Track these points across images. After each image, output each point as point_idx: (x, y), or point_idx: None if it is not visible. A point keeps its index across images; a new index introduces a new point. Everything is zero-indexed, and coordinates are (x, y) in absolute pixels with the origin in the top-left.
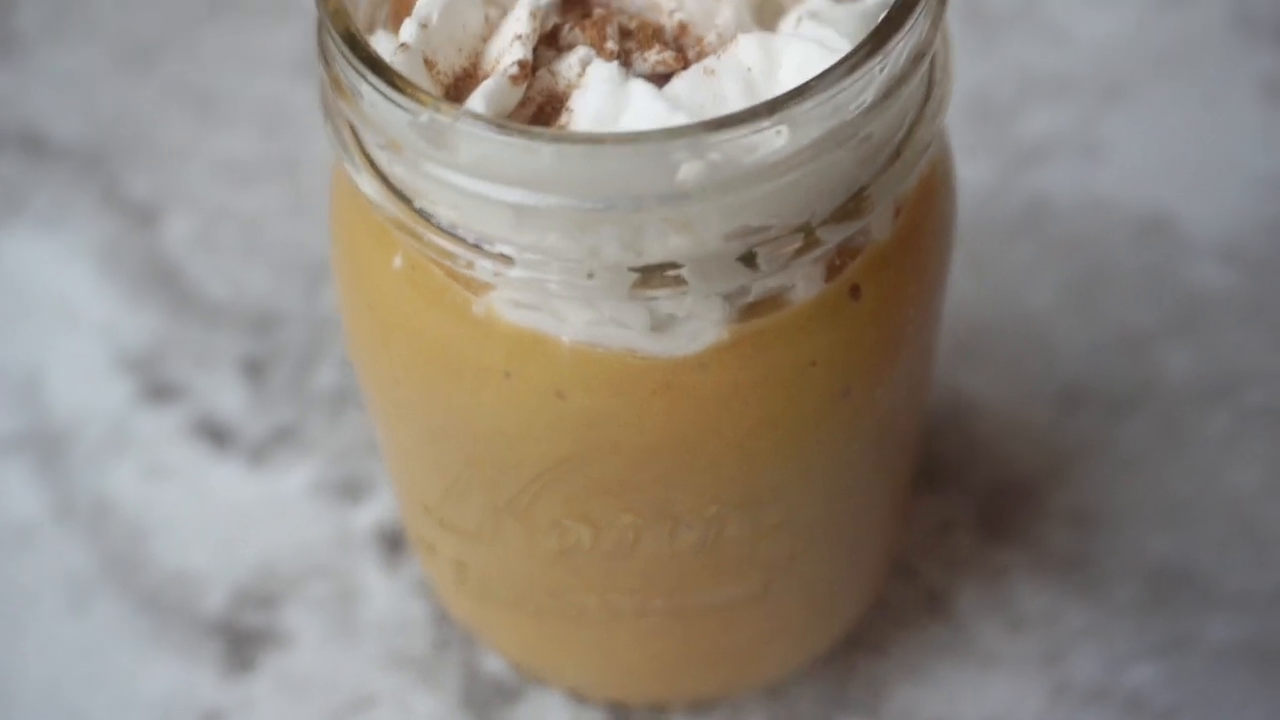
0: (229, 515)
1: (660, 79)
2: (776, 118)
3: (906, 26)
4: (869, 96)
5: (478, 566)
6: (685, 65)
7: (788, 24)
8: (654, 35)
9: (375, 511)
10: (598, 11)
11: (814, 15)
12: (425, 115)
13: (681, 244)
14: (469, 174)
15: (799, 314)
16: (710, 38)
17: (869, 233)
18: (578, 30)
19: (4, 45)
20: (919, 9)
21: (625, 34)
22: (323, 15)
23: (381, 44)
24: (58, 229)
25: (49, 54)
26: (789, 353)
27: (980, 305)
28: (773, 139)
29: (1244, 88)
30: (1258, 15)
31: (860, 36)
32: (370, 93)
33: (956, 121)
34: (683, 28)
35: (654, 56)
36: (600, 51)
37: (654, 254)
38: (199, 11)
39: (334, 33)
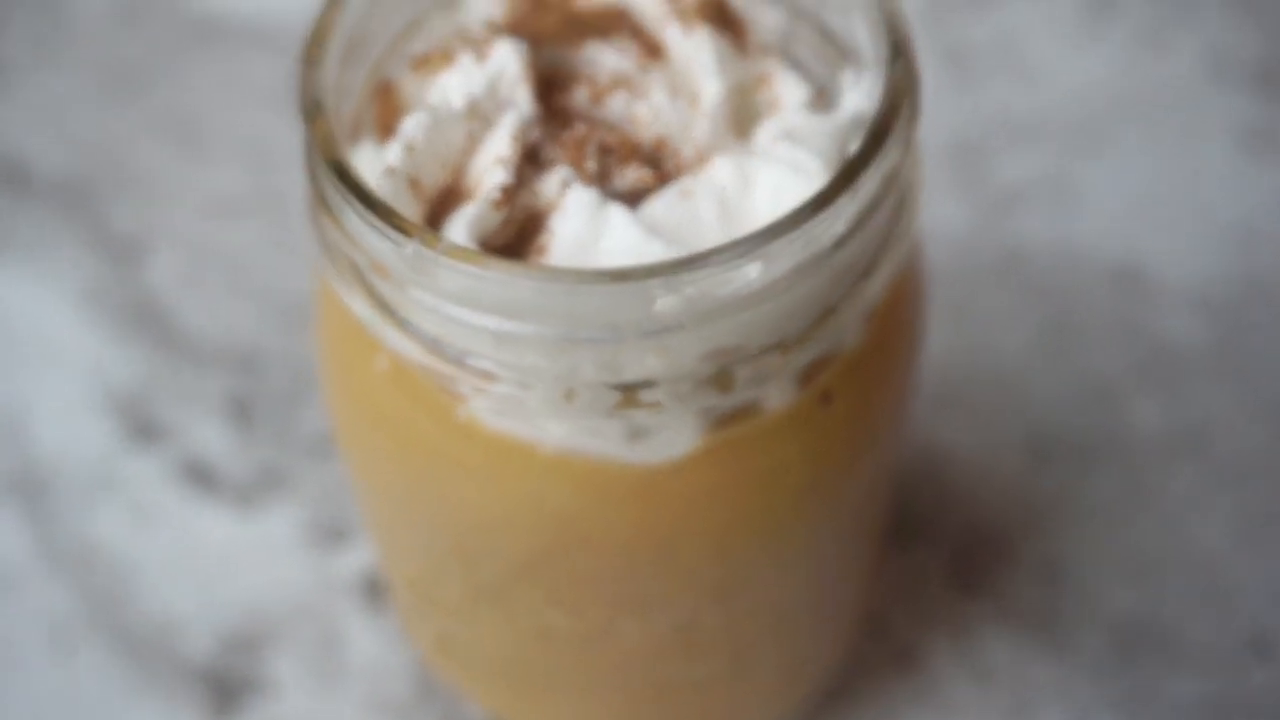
0: (214, 559)
1: (638, 196)
2: (750, 256)
3: (877, 159)
4: (840, 227)
5: (458, 636)
6: (663, 182)
7: (764, 134)
8: (632, 152)
9: (359, 556)
10: (579, 126)
11: (788, 133)
12: (410, 247)
13: (658, 365)
14: (451, 300)
15: (772, 422)
16: (687, 152)
17: (841, 342)
18: (558, 148)
19: None
20: (890, 140)
21: (604, 150)
22: (310, 139)
23: (366, 157)
24: (41, 265)
25: (33, 80)
26: (762, 458)
27: (955, 354)
28: (746, 273)
29: (1219, 136)
30: (1234, 63)
31: (834, 154)
32: (355, 219)
33: (936, 164)
34: (660, 142)
35: (632, 174)
36: (580, 171)
37: (631, 374)
38: (185, 39)
39: (321, 159)
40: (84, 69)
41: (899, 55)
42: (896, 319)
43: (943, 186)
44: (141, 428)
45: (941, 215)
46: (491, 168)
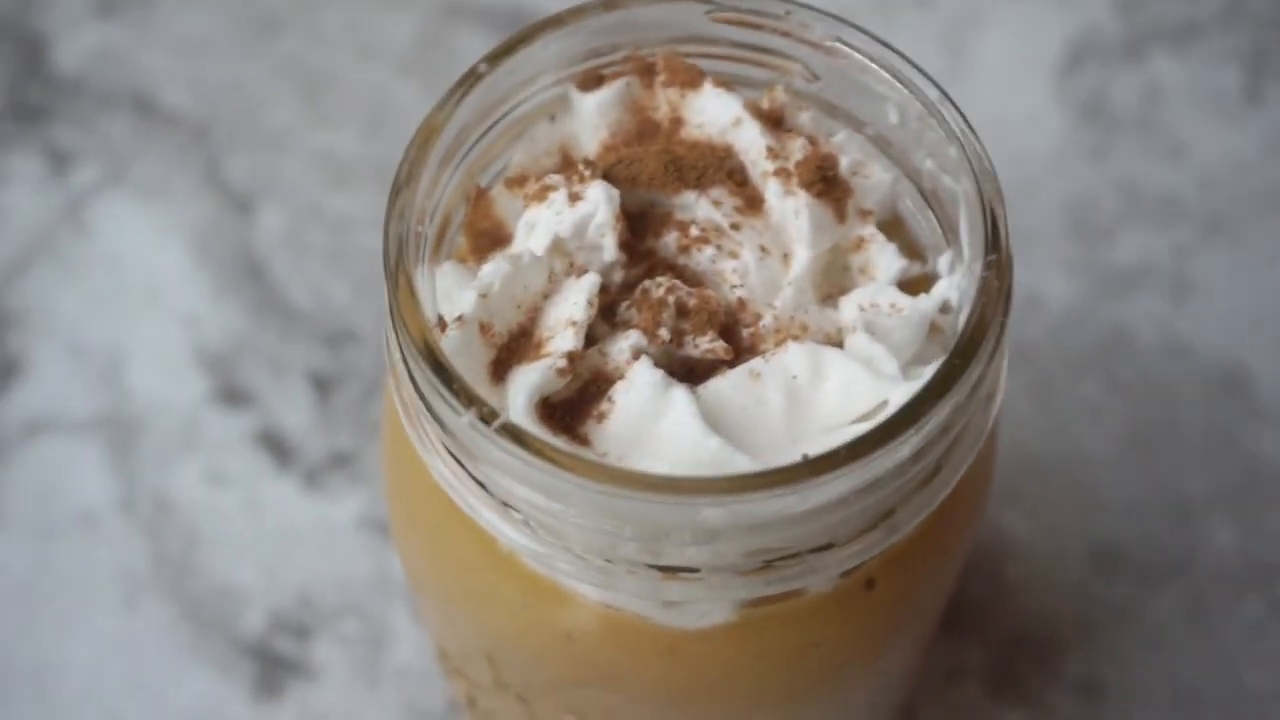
0: (278, 535)
1: (709, 365)
2: (802, 486)
3: (954, 390)
4: (905, 453)
5: (480, 702)
6: (736, 355)
7: (848, 307)
8: (709, 319)
9: None
10: (658, 286)
11: (869, 325)
12: (466, 418)
13: (699, 556)
14: (499, 468)
15: (810, 603)
16: (766, 320)
17: (894, 535)
18: (634, 309)
19: None
20: (968, 370)
21: (681, 312)
22: (392, 278)
23: (447, 271)
24: (157, 203)
25: (170, 13)
26: (796, 635)
27: (1037, 440)
28: (798, 501)
29: None
30: None
31: (911, 350)
32: (422, 376)
33: (1054, 233)
34: (741, 304)
35: (705, 344)
36: (652, 339)
37: (671, 560)
38: None
39: (398, 310)
40: (222, 7)
41: (992, 266)
42: (955, 509)
43: (1054, 255)
44: (230, 390)
45: (1047, 286)
46: (563, 329)
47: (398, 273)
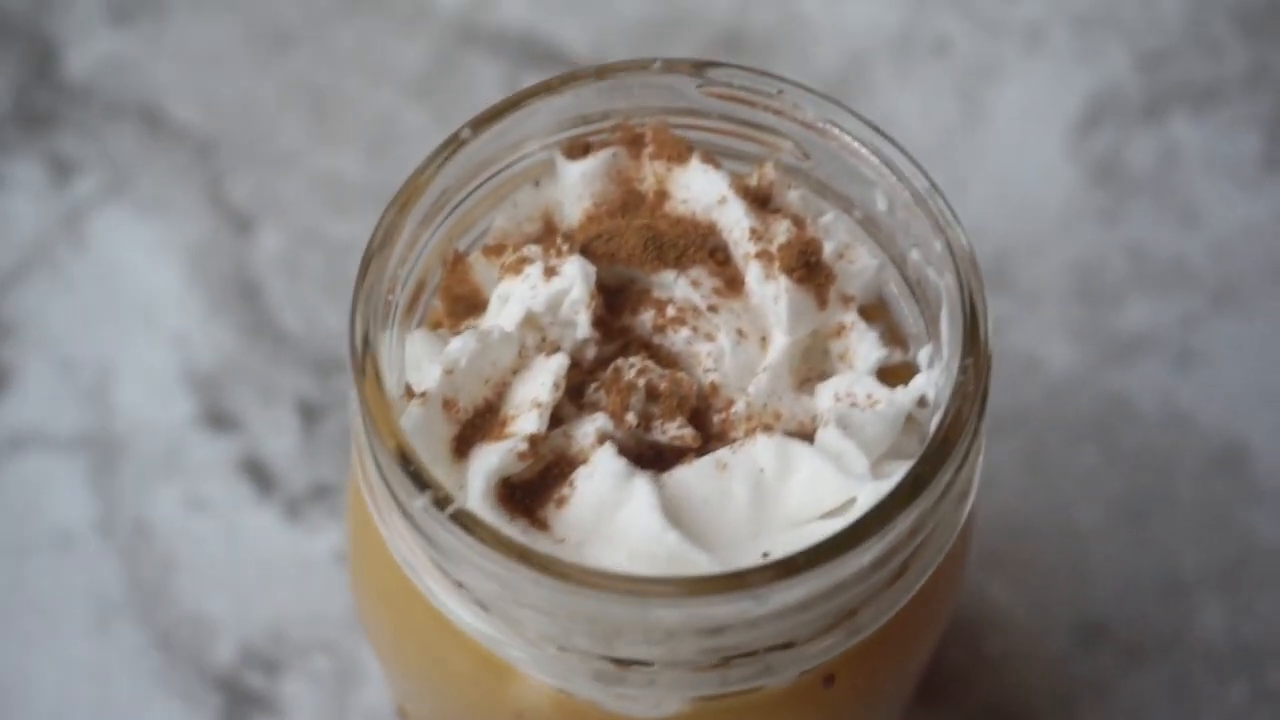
0: (255, 565)
1: (676, 452)
2: (758, 594)
3: (921, 498)
4: (868, 559)
5: None
6: (705, 442)
7: (824, 396)
8: (679, 405)
9: None
10: (630, 367)
11: (842, 420)
12: (420, 501)
13: (654, 651)
14: (448, 555)
15: (766, 698)
16: (739, 406)
17: (857, 633)
18: (602, 392)
19: (141, 7)
20: (938, 476)
21: (652, 394)
22: (356, 375)
23: (418, 347)
24: (156, 218)
25: (183, 24)
26: None
27: (1028, 509)
28: (753, 607)
29: None
30: None
31: (884, 445)
32: (381, 452)
33: (1058, 295)
34: (714, 388)
35: (673, 430)
36: (619, 423)
37: (625, 653)
38: (338, 5)
39: (362, 390)
40: (236, 21)
41: (968, 369)
42: (922, 606)
43: (1057, 318)
44: (215, 414)
45: (1048, 349)
46: (528, 409)
47: (364, 353)
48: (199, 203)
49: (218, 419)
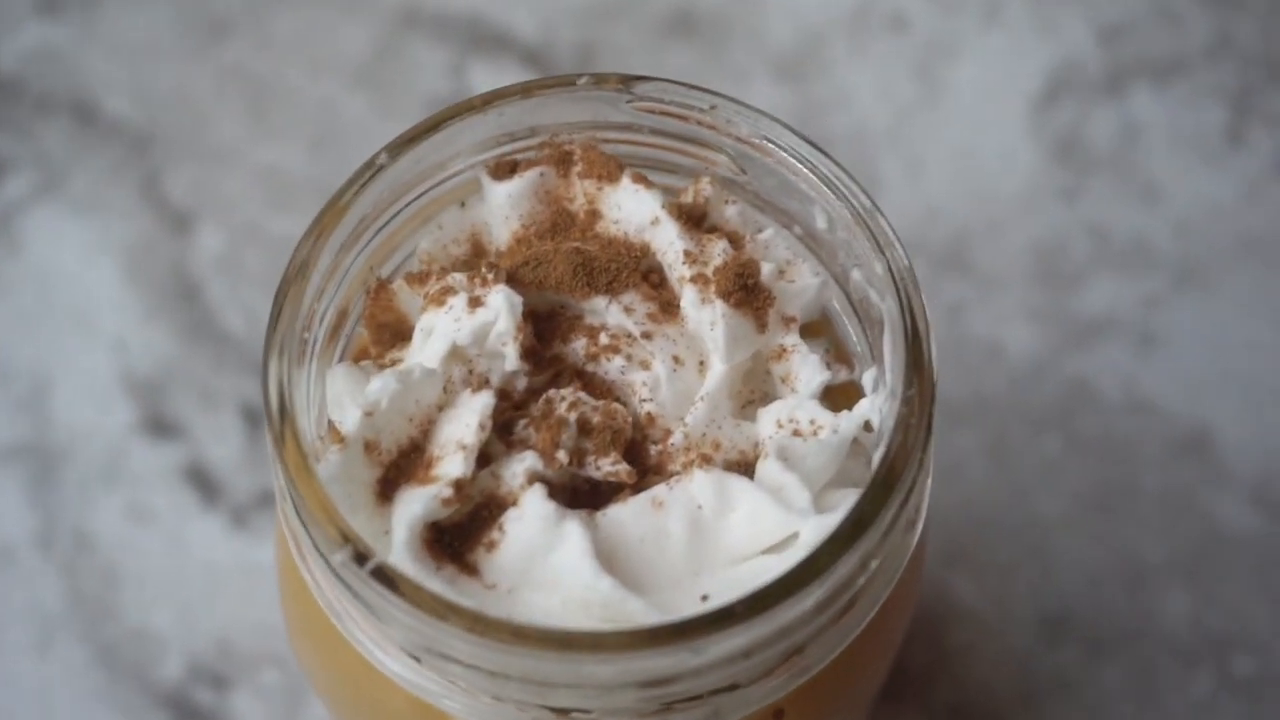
0: (201, 576)
1: (611, 488)
2: (695, 646)
3: (864, 539)
4: (810, 604)
5: None
6: (642, 475)
7: (766, 423)
8: (612, 440)
9: None
10: (563, 397)
11: (782, 452)
12: (339, 555)
13: (592, 700)
14: (373, 609)
15: None
16: (676, 437)
17: (805, 670)
18: (531, 429)
19: None
20: (882, 514)
21: (584, 429)
22: (271, 423)
23: (339, 383)
24: (91, 217)
25: (116, 13)
26: None
27: (991, 501)
28: (691, 658)
29: None
30: None
31: (827, 475)
32: (299, 503)
33: (1019, 278)
34: (650, 419)
35: (607, 466)
36: (549, 462)
37: (563, 702)
38: None
39: (279, 437)
40: (170, 9)
41: (911, 401)
42: (872, 635)
43: (1019, 301)
44: (158, 421)
45: (1010, 334)
46: (453, 451)
47: (280, 410)
48: (135, 201)
49: (159, 426)
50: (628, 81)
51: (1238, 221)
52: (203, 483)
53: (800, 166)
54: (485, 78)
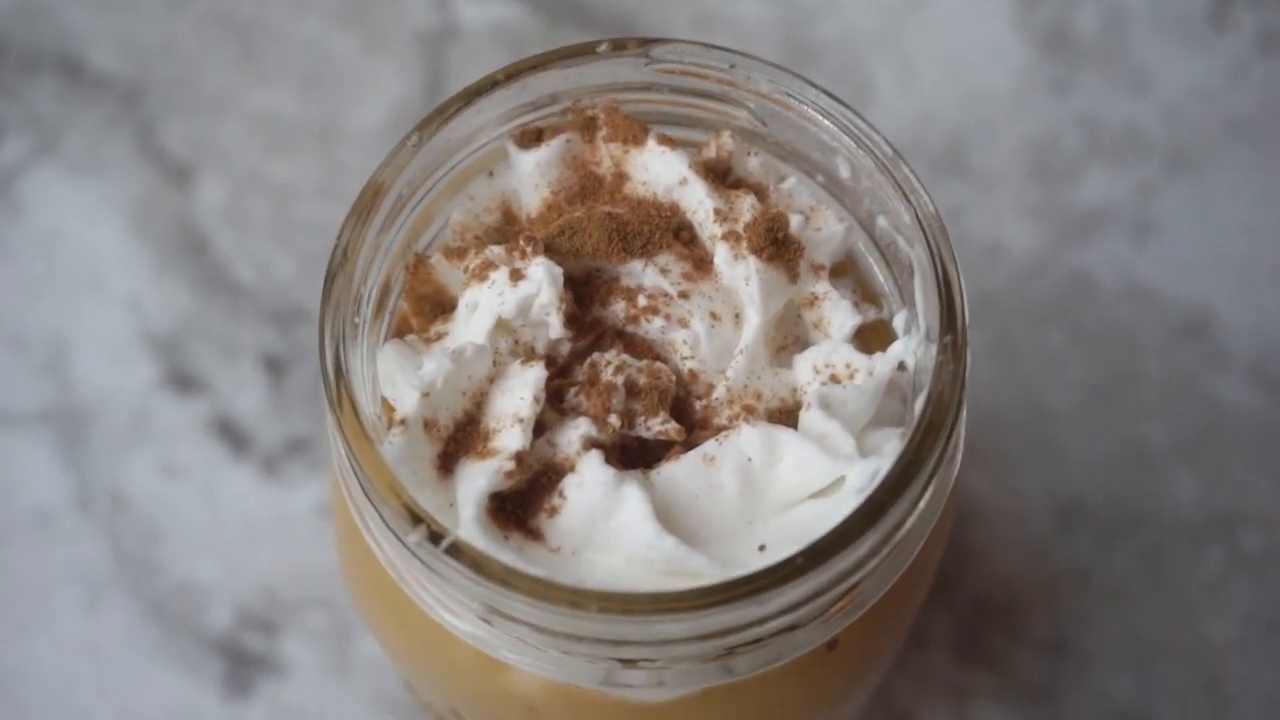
0: (239, 527)
1: (661, 446)
2: (761, 599)
3: (911, 488)
4: (865, 550)
5: None
6: (690, 431)
7: (803, 370)
8: (660, 400)
9: None
10: (608, 361)
11: (823, 400)
12: (414, 536)
13: (659, 652)
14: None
15: (772, 671)
16: (719, 391)
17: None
18: (582, 396)
19: None
20: (926, 465)
21: (631, 391)
22: (334, 410)
23: (389, 361)
24: (91, 175)
25: None
26: (759, 701)
27: (1000, 396)
28: (756, 611)
29: None
30: None
31: (867, 417)
32: (369, 488)
33: (1014, 175)
34: (693, 375)
35: (657, 426)
36: (602, 427)
37: (631, 654)
38: None
39: (344, 435)
40: None
41: (948, 349)
42: (915, 570)
43: (1015, 199)
44: (180, 376)
45: (1008, 232)
46: (510, 425)
47: (339, 386)
48: (132, 156)
49: (182, 380)
50: (646, 44)
51: (1225, 104)
52: (231, 434)
53: (822, 119)
54: (472, 8)
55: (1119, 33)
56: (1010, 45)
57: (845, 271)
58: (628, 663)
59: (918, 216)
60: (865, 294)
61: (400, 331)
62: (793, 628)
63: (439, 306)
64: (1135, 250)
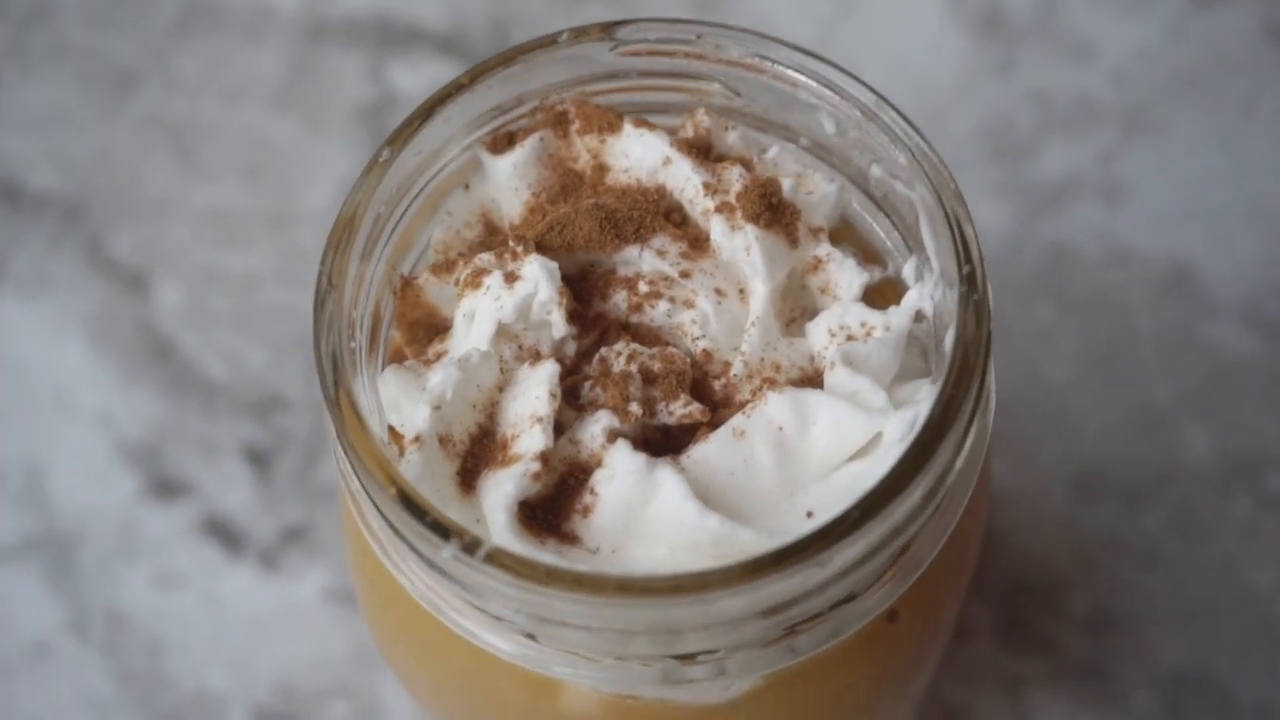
0: (244, 626)
1: (687, 429)
2: (820, 559)
3: (960, 417)
4: (917, 498)
5: None
6: (713, 413)
7: (817, 335)
8: (678, 382)
9: None
10: (618, 352)
11: (846, 357)
12: (447, 551)
13: (719, 639)
14: (489, 593)
15: (836, 650)
16: (737, 368)
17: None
18: (598, 389)
19: None
20: (965, 404)
21: (647, 378)
22: (341, 435)
23: (390, 386)
24: (43, 295)
25: (15, 87)
26: (825, 685)
27: (1000, 379)
28: (813, 575)
29: (1276, 111)
30: None
31: (893, 370)
32: (390, 511)
33: (975, 160)
34: (707, 355)
35: (679, 409)
36: (624, 416)
37: (689, 647)
38: (168, 30)
39: (349, 451)
40: (69, 66)
41: (968, 279)
42: (967, 520)
43: (980, 182)
44: (161, 483)
45: (979, 214)
46: (529, 426)
47: (339, 399)
48: (83, 271)
49: (165, 487)
50: (609, 28)
51: (1169, 61)
52: (223, 533)
53: (798, 76)
54: (406, 75)
55: (1051, 5)
56: (948, 35)
57: (843, 238)
58: (686, 658)
59: (914, 156)
60: (867, 255)
61: (395, 362)
62: (851, 597)
63: (432, 330)
64: (1108, 214)
